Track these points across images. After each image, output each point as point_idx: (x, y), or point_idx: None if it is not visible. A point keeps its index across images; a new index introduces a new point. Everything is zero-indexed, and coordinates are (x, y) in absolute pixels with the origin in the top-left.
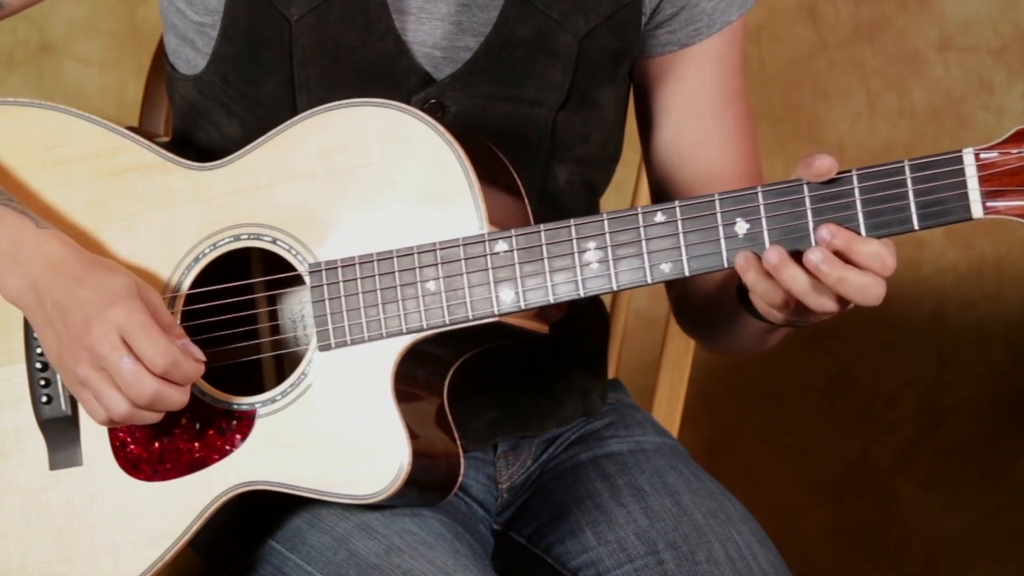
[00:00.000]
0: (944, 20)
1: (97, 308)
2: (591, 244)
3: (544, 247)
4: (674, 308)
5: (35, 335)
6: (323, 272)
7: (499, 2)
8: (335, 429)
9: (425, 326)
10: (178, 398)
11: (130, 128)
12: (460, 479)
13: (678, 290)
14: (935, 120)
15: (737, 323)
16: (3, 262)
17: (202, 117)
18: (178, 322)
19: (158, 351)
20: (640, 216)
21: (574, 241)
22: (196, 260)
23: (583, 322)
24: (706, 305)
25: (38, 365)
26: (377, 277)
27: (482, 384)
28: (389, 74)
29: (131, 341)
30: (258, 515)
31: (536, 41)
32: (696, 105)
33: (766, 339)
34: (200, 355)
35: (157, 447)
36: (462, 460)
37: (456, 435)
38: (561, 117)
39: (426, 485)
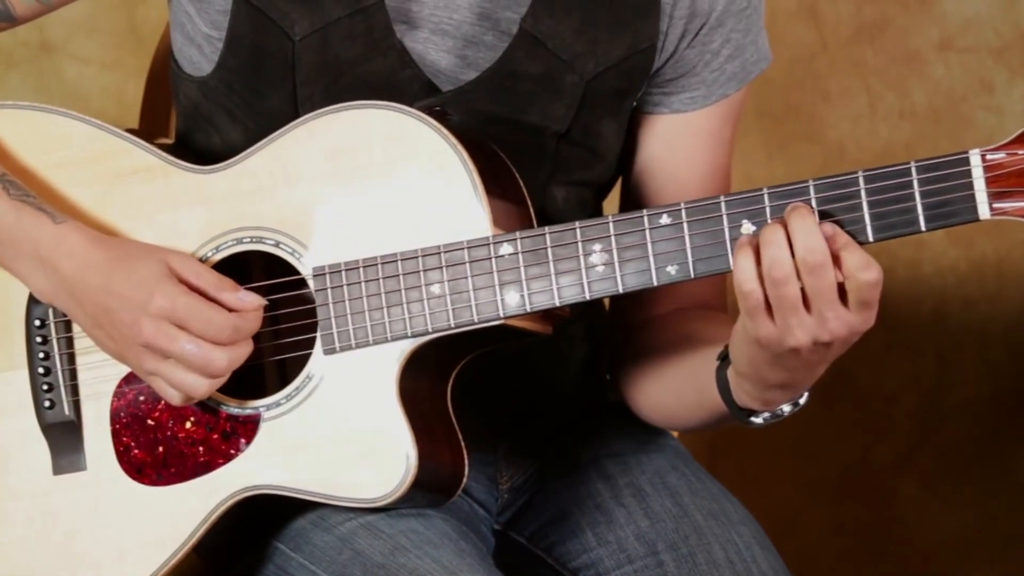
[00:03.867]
0: (945, 20)
1: (138, 303)
2: (596, 247)
3: (549, 250)
4: (616, 355)
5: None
6: (327, 275)
7: (507, 44)
8: (340, 433)
9: (430, 329)
10: (248, 351)
11: (131, 131)
12: (464, 480)
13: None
14: (936, 120)
15: (697, 388)
16: (28, 262)
17: (205, 120)
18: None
19: (217, 326)
20: (645, 219)
21: (579, 244)
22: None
23: (583, 325)
24: (670, 361)
25: (40, 370)
26: (381, 280)
27: (483, 386)
28: (393, 84)
29: (185, 325)
30: (262, 515)
31: (542, 78)
32: (684, 175)
33: (706, 415)
34: (258, 301)
35: (161, 451)
36: (466, 461)
37: (460, 436)
38: (563, 145)
39: (431, 487)
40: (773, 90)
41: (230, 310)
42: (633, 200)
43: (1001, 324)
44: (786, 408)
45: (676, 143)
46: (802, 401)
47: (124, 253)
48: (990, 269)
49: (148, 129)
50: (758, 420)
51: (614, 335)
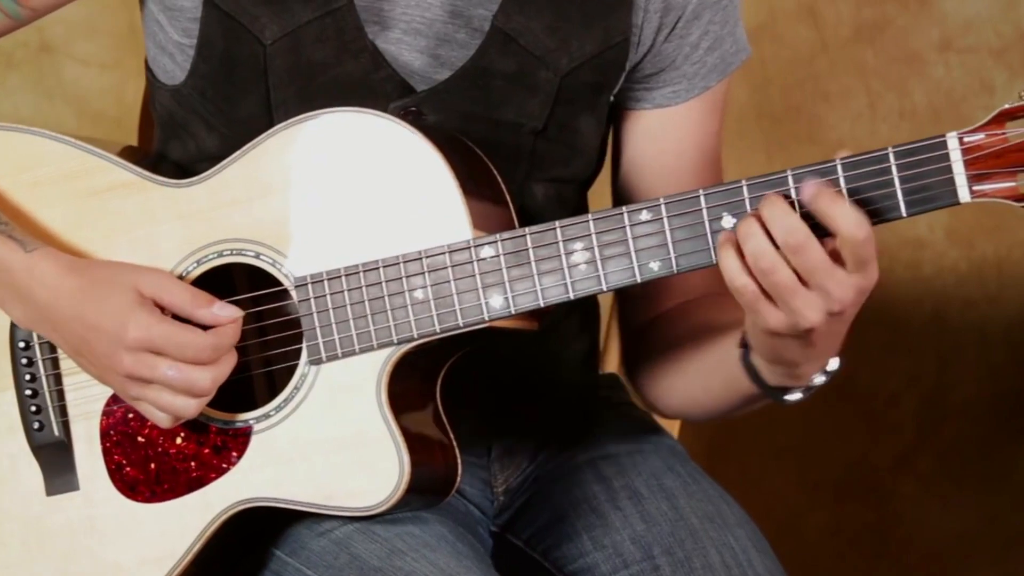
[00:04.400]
0: (945, 21)
1: (113, 335)
2: (578, 245)
3: (531, 250)
4: (631, 348)
5: (27, 360)
6: (309, 286)
7: (479, 41)
8: (331, 443)
9: (416, 336)
10: (231, 365)
11: (129, 148)
12: (458, 480)
13: (649, 332)
14: (936, 121)
15: (721, 374)
16: (3, 291)
17: (181, 128)
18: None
19: (195, 348)
20: (625, 215)
21: (560, 243)
22: (180, 278)
23: (574, 321)
24: (687, 349)
25: (27, 392)
26: (364, 288)
27: (474, 386)
28: (367, 85)
29: (163, 351)
30: (256, 524)
31: (516, 75)
32: (674, 169)
33: (738, 400)
34: (234, 313)
35: (154, 468)
36: (459, 461)
37: (451, 435)
38: (540, 141)
39: (425, 490)
40: (773, 90)
41: (208, 327)
42: (625, 199)
43: (1001, 324)
44: (819, 379)
45: (663, 138)
46: (832, 368)
47: (94, 280)
48: (990, 270)
49: (146, 129)
50: (794, 396)
51: (625, 336)
